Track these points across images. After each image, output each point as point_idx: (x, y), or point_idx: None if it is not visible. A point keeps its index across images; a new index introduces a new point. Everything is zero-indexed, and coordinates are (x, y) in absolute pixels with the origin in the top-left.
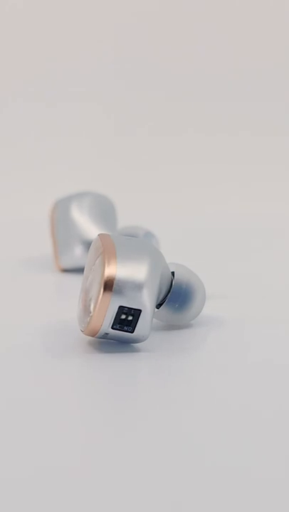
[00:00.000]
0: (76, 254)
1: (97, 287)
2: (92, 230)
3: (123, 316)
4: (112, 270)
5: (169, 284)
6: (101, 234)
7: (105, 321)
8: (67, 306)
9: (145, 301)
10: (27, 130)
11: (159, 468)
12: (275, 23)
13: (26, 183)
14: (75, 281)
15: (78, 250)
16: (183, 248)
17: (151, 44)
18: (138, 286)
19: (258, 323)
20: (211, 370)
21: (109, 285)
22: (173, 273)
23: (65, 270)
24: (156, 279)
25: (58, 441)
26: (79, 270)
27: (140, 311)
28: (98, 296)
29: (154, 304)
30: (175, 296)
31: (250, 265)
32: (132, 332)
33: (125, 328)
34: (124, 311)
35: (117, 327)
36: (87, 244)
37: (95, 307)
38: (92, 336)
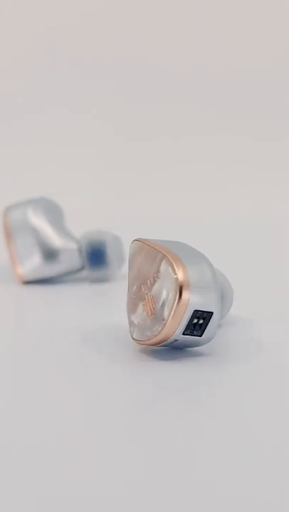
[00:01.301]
0: (37, 264)
1: (170, 293)
2: (52, 236)
3: (195, 320)
4: (184, 275)
5: None
6: (144, 239)
7: (180, 327)
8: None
9: (215, 303)
10: (27, 130)
11: (232, 468)
12: (275, 23)
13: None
14: (38, 293)
15: (38, 259)
16: None
17: (151, 44)
18: (208, 289)
19: (276, 321)
20: (274, 367)
21: (184, 290)
22: None
23: (27, 282)
24: (217, 280)
25: (128, 443)
26: (40, 281)
27: (212, 313)
28: (174, 302)
29: (220, 305)
30: None
31: (250, 265)
32: (201, 336)
33: (194, 332)
34: (198, 315)
35: (188, 332)
36: (48, 252)
37: (170, 313)
38: (157, 345)
